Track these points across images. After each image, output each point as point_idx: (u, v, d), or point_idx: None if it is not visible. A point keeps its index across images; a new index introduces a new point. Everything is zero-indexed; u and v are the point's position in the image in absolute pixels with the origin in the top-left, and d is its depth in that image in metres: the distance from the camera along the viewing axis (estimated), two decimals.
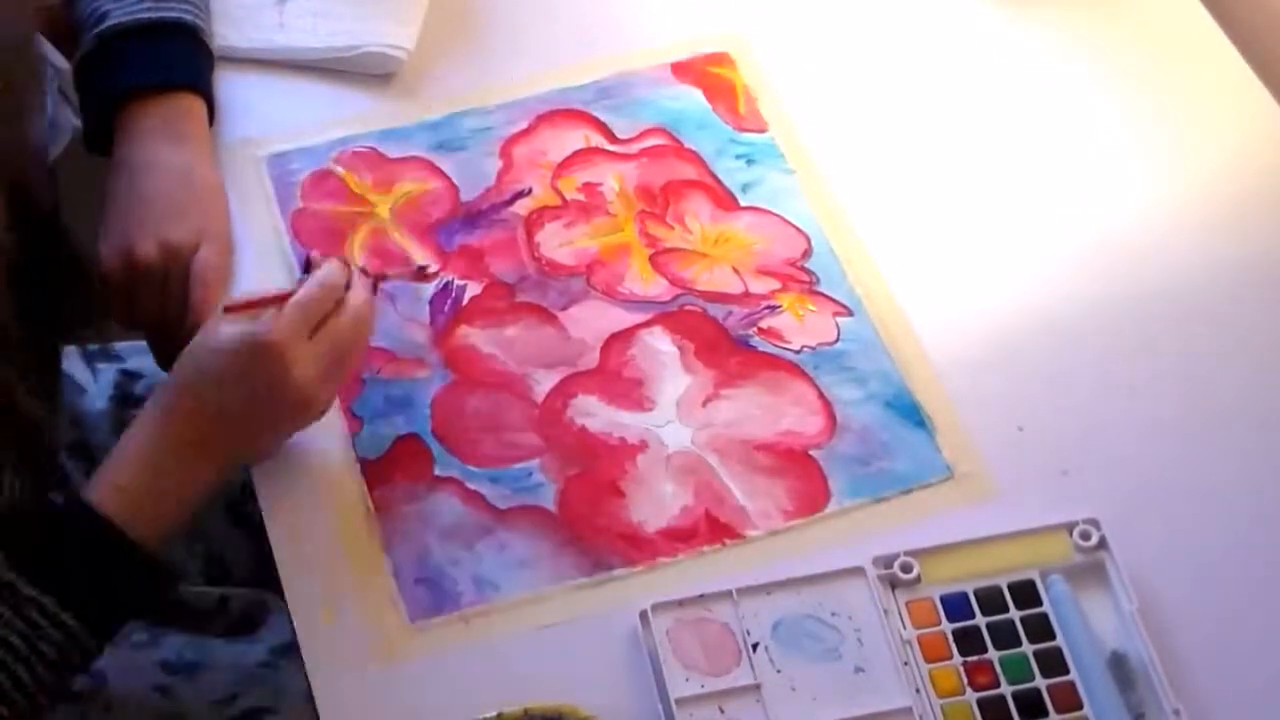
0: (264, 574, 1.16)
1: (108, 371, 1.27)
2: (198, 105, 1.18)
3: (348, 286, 1.04)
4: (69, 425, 1.22)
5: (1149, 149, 1.22)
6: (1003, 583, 1.00)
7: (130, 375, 1.27)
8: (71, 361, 1.27)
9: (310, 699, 0.98)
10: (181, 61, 1.18)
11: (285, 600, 1.02)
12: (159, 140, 1.15)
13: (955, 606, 0.99)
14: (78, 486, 1.18)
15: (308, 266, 1.05)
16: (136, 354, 1.29)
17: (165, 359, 1.19)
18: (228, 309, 1.02)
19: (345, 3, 1.27)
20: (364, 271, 1.07)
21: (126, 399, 1.27)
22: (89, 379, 1.27)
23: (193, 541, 1.21)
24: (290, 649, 1.13)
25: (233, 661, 1.15)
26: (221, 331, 1.00)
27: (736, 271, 1.16)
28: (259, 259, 1.16)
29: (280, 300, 1.01)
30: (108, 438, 1.23)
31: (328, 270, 1.03)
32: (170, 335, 1.15)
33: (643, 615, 0.99)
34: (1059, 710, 0.96)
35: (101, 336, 1.29)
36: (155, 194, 1.13)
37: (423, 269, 1.13)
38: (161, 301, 1.12)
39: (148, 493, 0.99)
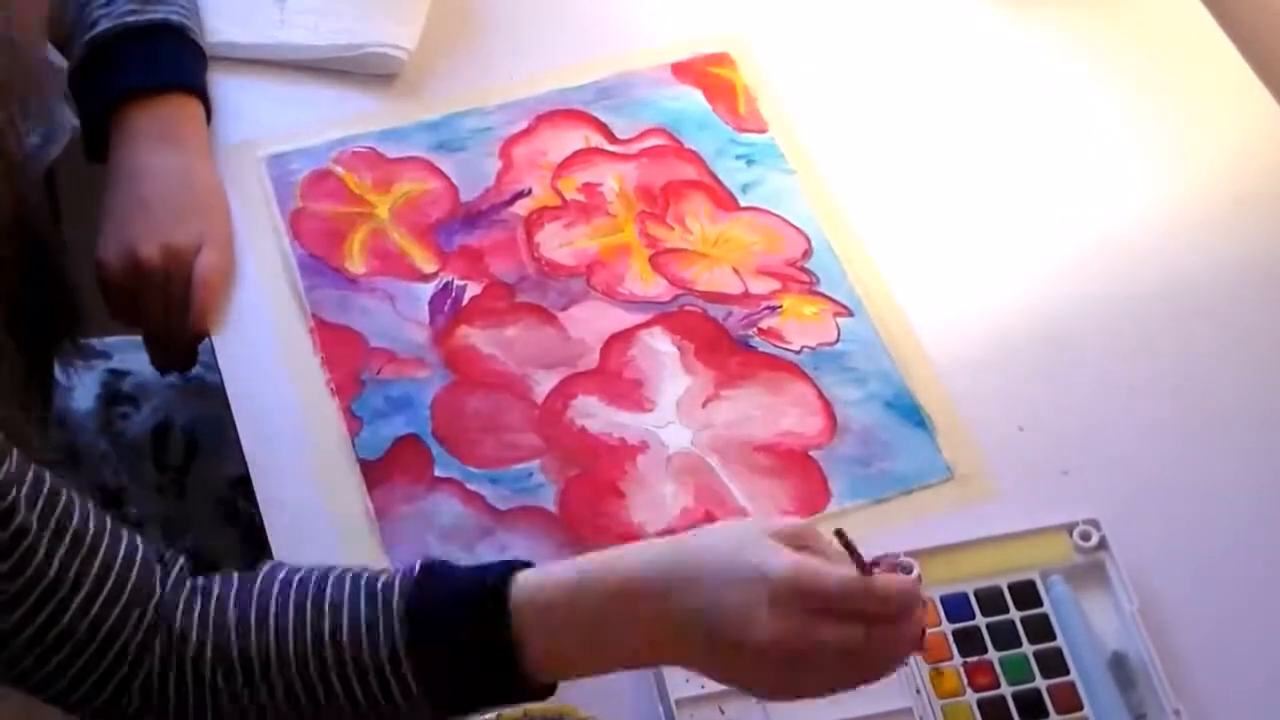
0: None
1: (94, 370, 1.27)
2: (192, 105, 1.18)
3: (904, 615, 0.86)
4: (56, 427, 1.22)
5: (1149, 149, 1.22)
6: (1003, 583, 1.00)
7: (117, 373, 1.27)
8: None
9: None
10: (171, 62, 1.18)
11: None
12: (155, 143, 1.15)
13: (955, 607, 0.99)
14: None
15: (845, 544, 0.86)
16: (124, 350, 1.28)
17: (164, 361, 1.20)
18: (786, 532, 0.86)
19: (346, 1, 1.27)
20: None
21: (114, 397, 1.26)
22: (73, 378, 1.26)
23: (180, 536, 1.21)
24: None
25: None
26: (763, 555, 0.84)
27: (736, 272, 1.16)
28: (259, 259, 1.16)
29: (861, 566, 0.85)
30: (94, 437, 1.23)
31: (899, 583, 0.85)
32: (171, 337, 1.15)
33: None
34: (1059, 711, 0.96)
35: (93, 330, 1.28)
36: (155, 198, 1.14)
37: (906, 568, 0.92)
38: (164, 304, 1.13)
39: (565, 631, 0.87)
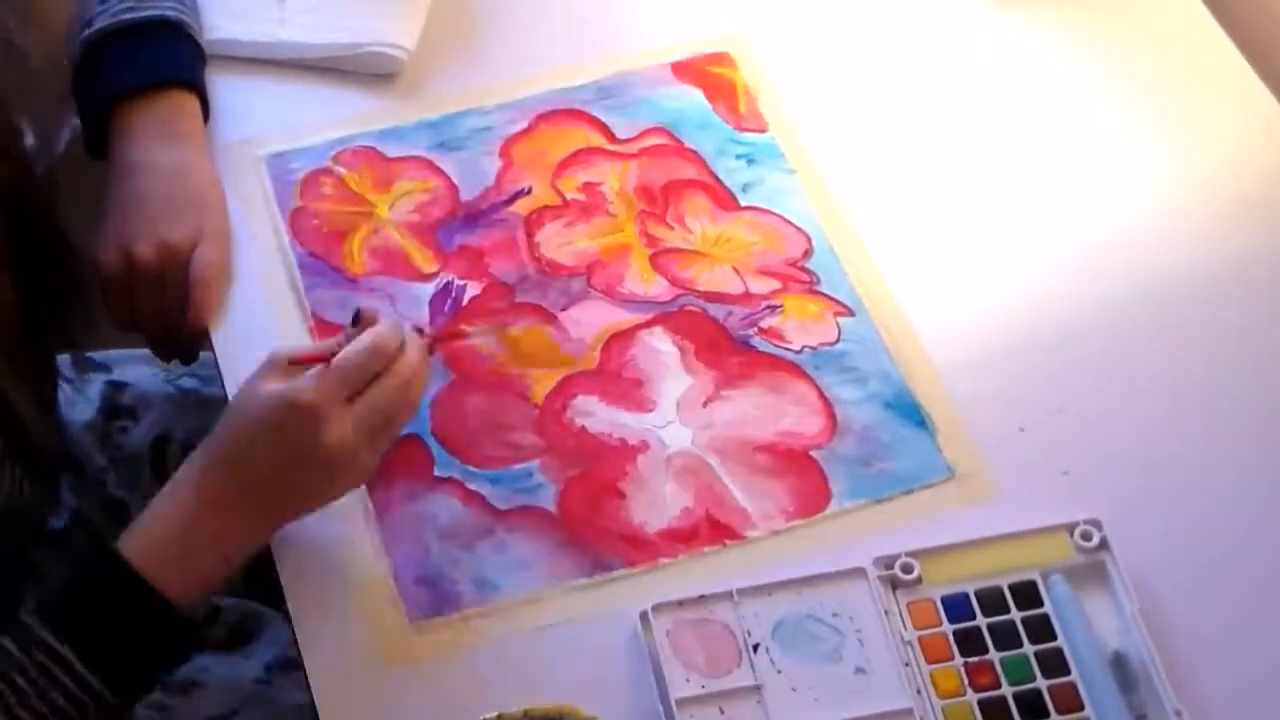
0: (253, 586, 1.17)
1: (94, 382, 1.27)
2: (189, 101, 1.18)
3: (401, 347, 1.00)
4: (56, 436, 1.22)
5: (1150, 149, 1.22)
6: (1004, 583, 1.00)
7: (117, 386, 1.27)
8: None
9: (309, 714, 0.98)
10: (168, 58, 1.18)
11: (279, 611, 1.02)
12: (151, 140, 1.15)
13: (956, 607, 0.99)
14: (65, 503, 1.18)
15: (356, 319, 1.02)
16: (124, 363, 1.29)
17: (167, 356, 1.20)
18: (276, 363, 0.99)
19: (347, 0, 1.27)
20: (419, 330, 1.04)
21: (114, 410, 1.26)
22: (74, 390, 1.26)
23: None
24: (287, 664, 1.14)
25: (229, 678, 1.14)
26: (259, 390, 0.98)
27: (737, 271, 1.15)
28: (259, 259, 1.16)
29: (328, 358, 0.98)
30: (94, 450, 1.23)
31: (378, 331, 1.00)
32: (171, 335, 1.15)
33: (643, 616, 0.99)
34: (1060, 711, 0.96)
35: (94, 343, 1.28)
36: (151, 194, 1.13)
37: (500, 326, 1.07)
38: (161, 301, 1.12)
39: (178, 549, 0.96)
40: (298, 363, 0.99)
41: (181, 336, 1.15)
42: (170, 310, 1.13)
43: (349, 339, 1.00)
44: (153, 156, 1.15)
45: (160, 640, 0.97)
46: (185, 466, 0.99)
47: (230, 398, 1.05)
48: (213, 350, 1.13)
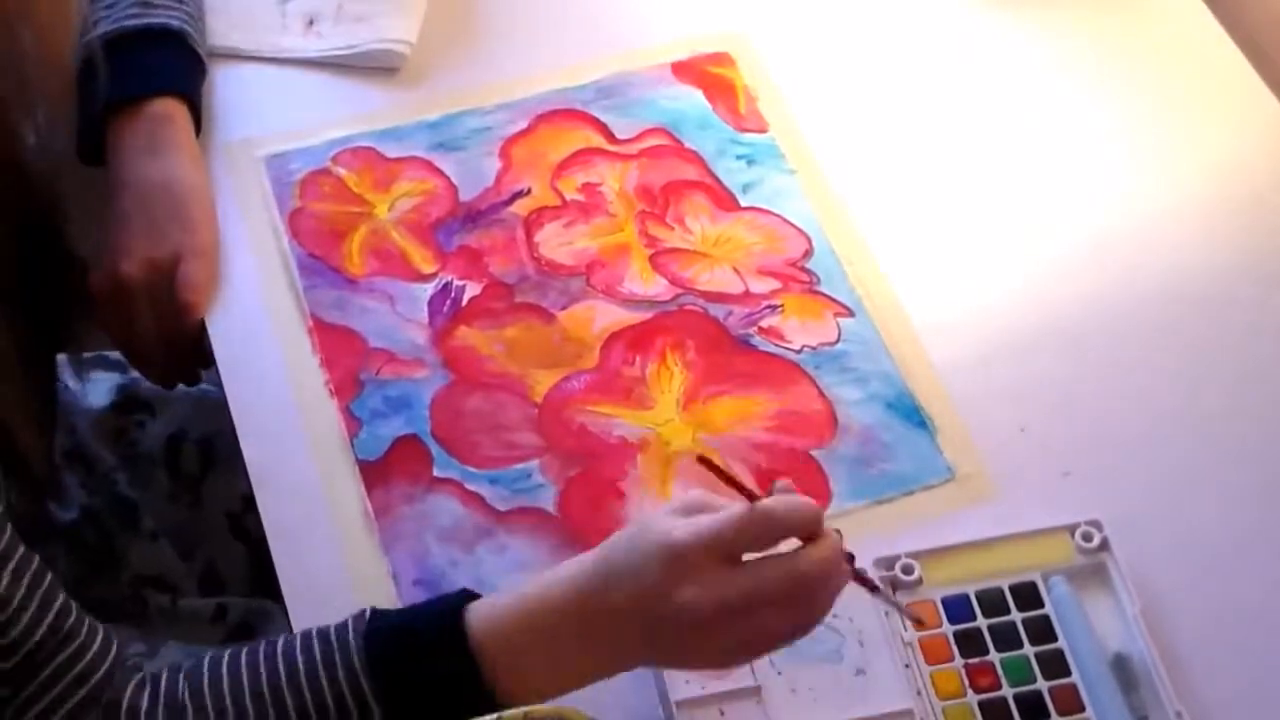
0: (259, 589, 1.16)
1: (105, 379, 1.26)
2: (178, 110, 1.17)
3: (811, 538, 0.87)
4: (65, 434, 1.22)
5: (1151, 148, 1.22)
6: (1004, 584, 1.00)
7: (134, 379, 1.26)
8: (64, 368, 1.26)
9: None
10: (163, 68, 1.18)
11: (281, 608, 1.02)
12: (139, 155, 1.15)
13: (957, 608, 0.99)
14: (74, 499, 1.17)
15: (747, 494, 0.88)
16: None
17: (164, 377, 1.19)
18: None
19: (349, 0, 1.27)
20: (849, 557, 0.90)
21: (130, 403, 1.25)
22: (83, 385, 1.26)
23: (194, 549, 1.20)
24: None
25: None
26: (662, 524, 0.86)
27: (737, 272, 1.15)
28: (258, 260, 1.16)
29: (746, 494, 0.87)
30: (105, 446, 1.22)
31: (790, 502, 0.87)
32: (165, 353, 1.15)
33: None
34: (1061, 712, 0.96)
35: (101, 344, 1.28)
36: (136, 211, 1.13)
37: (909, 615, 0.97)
38: (150, 320, 1.12)
39: (528, 654, 0.88)
40: (692, 508, 0.88)
41: (171, 356, 1.14)
42: (162, 328, 1.13)
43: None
44: (139, 172, 1.14)
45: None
46: (581, 566, 0.88)
47: (229, 395, 1.05)
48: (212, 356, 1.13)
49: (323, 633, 0.91)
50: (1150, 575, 1.00)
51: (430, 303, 1.14)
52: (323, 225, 1.18)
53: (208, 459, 1.22)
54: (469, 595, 0.91)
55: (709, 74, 1.26)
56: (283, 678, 0.89)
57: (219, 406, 1.17)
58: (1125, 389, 1.10)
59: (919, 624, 0.98)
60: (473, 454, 1.07)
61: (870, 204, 1.19)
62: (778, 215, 1.18)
